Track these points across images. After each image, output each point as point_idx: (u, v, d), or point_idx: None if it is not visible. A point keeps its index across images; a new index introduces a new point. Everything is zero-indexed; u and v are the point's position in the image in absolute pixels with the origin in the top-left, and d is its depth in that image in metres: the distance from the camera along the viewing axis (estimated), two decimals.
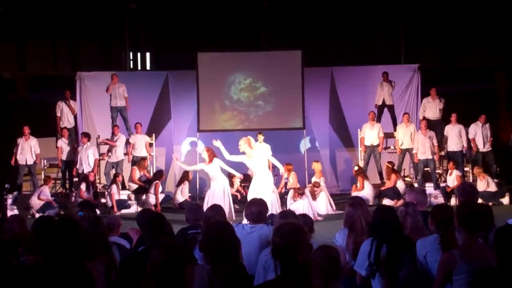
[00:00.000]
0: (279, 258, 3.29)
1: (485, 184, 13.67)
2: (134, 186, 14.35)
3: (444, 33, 18.67)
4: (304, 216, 5.62)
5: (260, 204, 5.58)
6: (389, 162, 14.26)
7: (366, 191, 13.56)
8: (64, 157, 14.54)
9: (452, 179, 13.83)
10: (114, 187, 13.77)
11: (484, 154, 14.65)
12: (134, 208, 13.90)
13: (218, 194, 10.60)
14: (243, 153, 10.48)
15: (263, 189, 10.19)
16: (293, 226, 3.44)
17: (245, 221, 5.96)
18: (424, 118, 15.00)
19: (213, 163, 10.74)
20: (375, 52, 18.71)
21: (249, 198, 9.96)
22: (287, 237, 3.31)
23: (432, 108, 15.20)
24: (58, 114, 15.22)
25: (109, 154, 14.59)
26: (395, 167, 14.31)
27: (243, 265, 4.38)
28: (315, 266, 3.76)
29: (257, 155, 10.60)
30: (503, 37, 17.92)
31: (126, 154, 14.92)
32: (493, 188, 13.73)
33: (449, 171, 14.10)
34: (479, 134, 14.59)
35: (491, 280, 3.73)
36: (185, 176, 14.30)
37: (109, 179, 14.50)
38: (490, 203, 13.38)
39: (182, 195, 13.95)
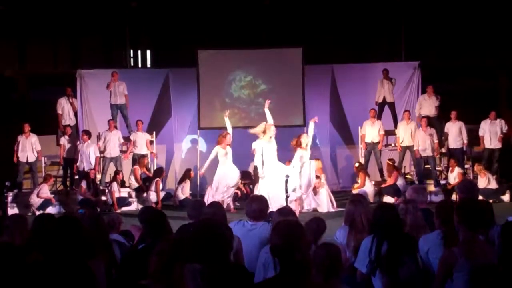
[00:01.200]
0: (277, 256, 3.29)
1: (485, 181, 13.67)
2: (135, 184, 14.36)
3: (445, 31, 18.64)
4: (318, 220, 5.51)
5: (261, 201, 5.56)
6: (389, 159, 14.26)
7: (367, 188, 13.57)
8: (65, 154, 14.56)
9: (454, 177, 13.83)
10: (114, 184, 13.78)
11: (490, 151, 14.61)
12: (134, 206, 13.90)
13: (228, 175, 12.41)
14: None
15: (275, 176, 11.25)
16: (290, 224, 3.43)
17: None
18: (420, 115, 15.00)
19: (228, 148, 12.42)
20: (375, 49, 18.70)
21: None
22: (285, 235, 3.30)
23: (428, 106, 15.18)
24: (59, 112, 15.20)
25: (104, 149, 14.56)
26: (396, 164, 14.30)
27: (236, 264, 4.35)
28: (316, 264, 3.76)
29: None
30: (504, 35, 17.89)
31: (125, 151, 14.93)
32: (493, 185, 13.73)
33: (450, 168, 14.10)
34: (488, 131, 14.57)
35: (493, 277, 3.71)
36: (186, 174, 14.31)
37: (105, 174, 14.52)
38: (491, 200, 13.40)
39: (183, 193, 13.95)
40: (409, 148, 14.66)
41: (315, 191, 12.88)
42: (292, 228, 3.36)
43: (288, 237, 3.28)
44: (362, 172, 13.90)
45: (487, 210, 4.85)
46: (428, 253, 4.55)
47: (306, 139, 12.04)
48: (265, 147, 11.53)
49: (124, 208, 13.61)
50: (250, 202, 5.57)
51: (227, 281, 3.71)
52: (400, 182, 13.77)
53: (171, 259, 3.31)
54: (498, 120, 14.69)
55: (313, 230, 5.00)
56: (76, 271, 3.47)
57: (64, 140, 14.64)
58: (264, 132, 11.59)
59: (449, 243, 4.44)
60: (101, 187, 14.26)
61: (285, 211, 5.38)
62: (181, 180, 14.24)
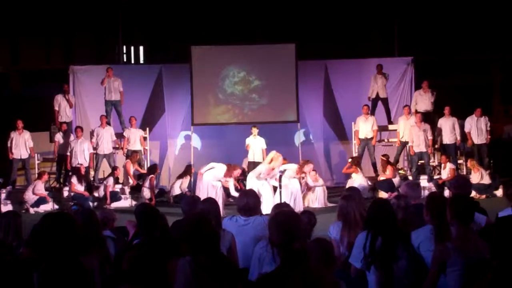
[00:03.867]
0: (276, 246, 3.30)
1: (479, 176, 13.72)
2: (131, 181, 14.31)
3: (438, 26, 18.68)
4: (309, 213, 5.56)
5: (253, 196, 5.54)
6: (383, 155, 14.29)
7: (358, 182, 13.60)
8: (59, 151, 14.47)
9: (446, 173, 13.87)
10: (111, 179, 13.73)
11: (478, 146, 14.69)
12: (128, 202, 13.87)
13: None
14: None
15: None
16: (288, 214, 3.45)
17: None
18: (416, 111, 15.03)
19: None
20: (369, 45, 18.73)
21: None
22: (283, 225, 3.31)
23: (424, 101, 15.22)
24: (56, 108, 15.06)
25: (97, 145, 14.50)
26: (391, 160, 14.33)
27: (224, 254, 4.37)
28: (310, 259, 3.77)
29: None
30: (497, 31, 17.94)
31: (120, 148, 14.90)
32: (486, 180, 13.78)
33: (443, 164, 14.14)
34: (474, 128, 14.64)
35: (487, 272, 3.72)
36: (188, 170, 14.19)
37: (98, 171, 14.46)
38: (484, 196, 13.45)
39: (181, 188, 13.84)
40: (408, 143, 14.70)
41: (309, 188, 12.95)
42: (289, 218, 3.37)
43: (286, 227, 3.29)
44: (354, 167, 13.91)
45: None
46: (419, 247, 4.56)
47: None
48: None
49: (118, 204, 13.53)
50: (242, 197, 5.54)
51: (214, 271, 3.72)
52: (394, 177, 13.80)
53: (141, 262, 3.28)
54: (483, 117, 14.77)
55: (304, 223, 5.01)
56: (69, 268, 3.46)
57: (59, 137, 14.54)
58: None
59: (441, 238, 4.46)
60: (95, 184, 14.22)
61: (281, 205, 5.39)
62: (182, 175, 14.07)
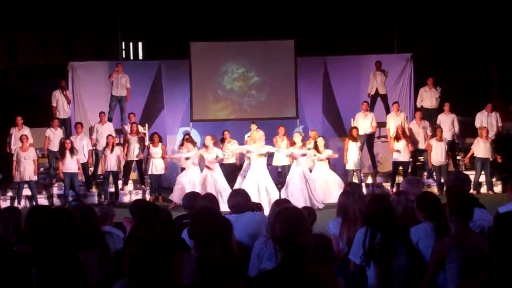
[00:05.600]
0: (278, 242, 3.29)
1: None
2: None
3: (437, 22, 18.65)
4: (308, 209, 5.58)
5: (243, 194, 5.58)
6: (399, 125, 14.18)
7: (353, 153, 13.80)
8: (53, 147, 14.27)
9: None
10: (107, 149, 13.72)
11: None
12: (128, 198, 13.90)
13: None
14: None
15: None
16: (291, 210, 3.44)
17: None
18: (422, 107, 15.06)
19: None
20: (368, 41, 18.69)
21: None
22: (286, 221, 3.31)
23: (429, 97, 15.28)
24: (54, 104, 15.01)
25: (96, 141, 14.45)
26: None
27: (233, 251, 4.38)
28: None
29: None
30: (497, 26, 17.92)
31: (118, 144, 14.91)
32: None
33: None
34: (485, 123, 14.62)
35: (486, 268, 3.72)
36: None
37: (98, 168, 14.44)
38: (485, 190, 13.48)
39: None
40: None
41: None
42: (293, 213, 3.37)
43: (290, 222, 3.28)
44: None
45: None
46: (419, 243, 4.57)
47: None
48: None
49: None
50: (232, 196, 5.56)
51: (221, 267, 3.72)
52: None
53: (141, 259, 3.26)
54: (493, 112, 14.78)
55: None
56: (65, 263, 3.46)
57: (50, 133, 14.31)
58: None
59: (440, 234, 4.46)
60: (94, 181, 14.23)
61: (281, 201, 5.39)
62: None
